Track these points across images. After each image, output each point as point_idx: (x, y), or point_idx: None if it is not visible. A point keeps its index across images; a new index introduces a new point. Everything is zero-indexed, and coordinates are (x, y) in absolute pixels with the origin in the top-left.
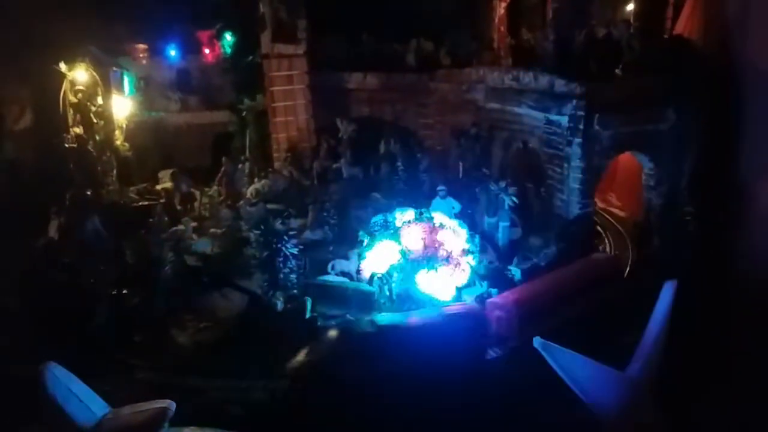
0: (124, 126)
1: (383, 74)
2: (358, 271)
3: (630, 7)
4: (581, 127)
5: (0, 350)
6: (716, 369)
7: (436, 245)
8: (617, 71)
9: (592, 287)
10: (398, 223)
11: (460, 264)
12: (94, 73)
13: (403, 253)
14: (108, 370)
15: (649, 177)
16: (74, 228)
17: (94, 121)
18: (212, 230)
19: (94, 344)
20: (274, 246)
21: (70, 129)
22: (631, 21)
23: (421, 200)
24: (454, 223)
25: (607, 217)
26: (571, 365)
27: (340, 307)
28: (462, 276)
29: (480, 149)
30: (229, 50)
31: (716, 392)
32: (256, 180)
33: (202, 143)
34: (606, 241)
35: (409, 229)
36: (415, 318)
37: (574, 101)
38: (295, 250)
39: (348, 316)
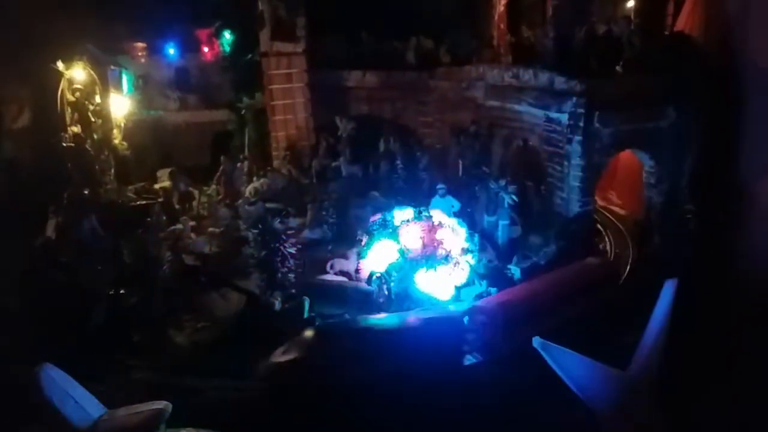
0: (123, 125)
1: (383, 72)
2: (357, 271)
3: (630, 3)
4: (581, 124)
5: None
6: (716, 369)
7: (435, 244)
8: (617, 68)
9: (584, 292)
10: (397, 222)
11: (459, 263)
12: (92, 72)
13: (402, 252)
14: (105, 370)
15: (650, 175)
16: (71, 227)
17: (92, 119)
18: (210, 229)
19: (92, 344)
20: (272, 245)
21: (68, 128)
22: (632, 18)
23: (420, 199)
24: (453, 222)
25: (608, 215)
26: (570, 365)
27: (338, 306)
28: (461, 275)
29: (480, 147)
30: (227, 48)
31: (716, 392)
32: (254, 179)
33: (201, 142)
34: (606, 239)
35: (408, 228)
36: (393, 321)
37: (574, 98)
38: (293, 250)
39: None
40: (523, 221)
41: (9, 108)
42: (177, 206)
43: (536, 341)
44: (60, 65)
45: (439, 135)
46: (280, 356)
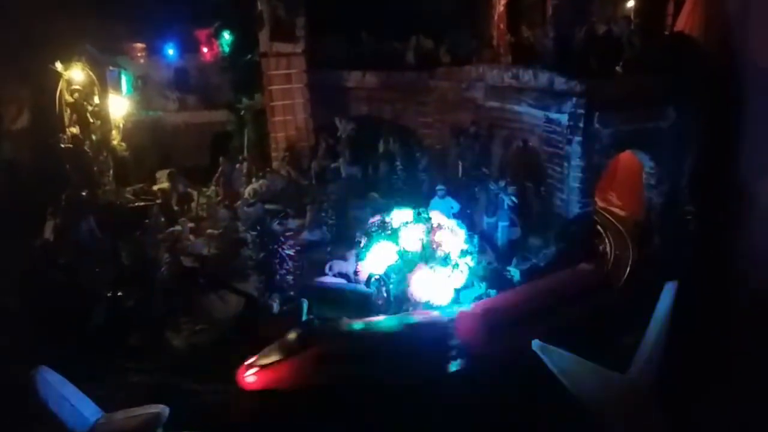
0: (122, 125)
1: (382, 72)
2: (356, 273)
3: (630, 3)
4: (581, 125)
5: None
6: (716, 369)
7: (434, 246)
8: (617, 69)
9: (574, 300)
10: (396, 224)
11: (458, 265)
12: (91, 73)
13: (401, 254)
14: (102, 372)
15: (650, 176)
16: (70, 229)
17: (91, 120)
18: (209, 231)
19: (89, 346)
20: (270, 247)
21: (67, 129)
22: (632, 18)
23: (419, 200)
24: (452, 223)
25: (608, 216)
26: (569, 368)
27: (337, 309)
28: (460, 277)
29: (479, 148)
30: (227, 49)
31: (716, 392)
32: (253, 180)
33: (201, 143)
34: (606, 240)
35: (407, 230)
36: (378, 325)
37: (574, 99)
38: (291, 252)
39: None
40: (523, 223)
41: (8, 109)
42: (176, 207)
43: (535, 344)
44: (59, 66)
45: (438, 136)
46: (263, 358)
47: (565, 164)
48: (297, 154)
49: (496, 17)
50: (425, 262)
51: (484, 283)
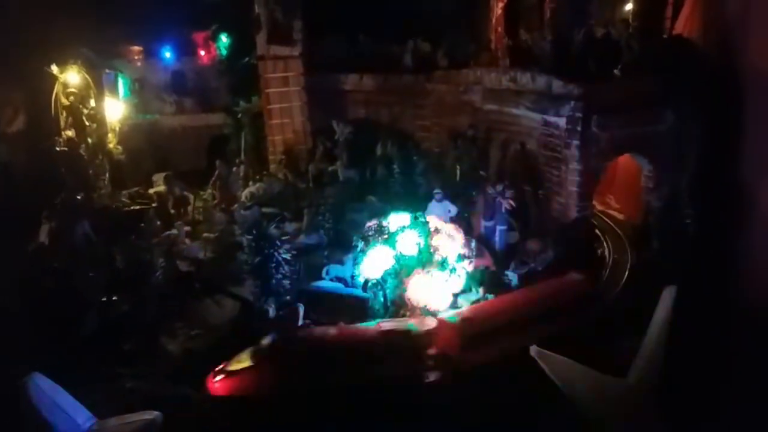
0: (118, 128)
1: (380, 76)
2: (353, 277)
3: (629, 6)
4: (579, 128)
5: None
6: (716, 373)
7: (432, 250)
8: (616, 72)
9: (560, 310)
10: (393, 228)
11: (455, 269)
12: (87, 76)
13: (399, 259)
14: (96, 378)
15: (649, 179)
16: (64, 232)
17: (87, 124)
18: (205, 235)
19: (83, 352)
20: (266, 251)
21: (62, 132)
22: (630, 21)
23: (417, 203)
24: (450, 227)
25: (606, 219)
26: (567, 374)
27: (333, 313)
28: (458, 281)
29: (477, 151)
30: (224, 52)
31: (715, 397)
32: (251, 183)
33: (198, 146)
34: (605, 244)
35: (404, 234)
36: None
37: (572, 102)
38: (288, 256)
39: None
40: (521, 226)
41: (3, 111)
42: (172, 211)
43: (533, 350)
44: (54, 69)
45: (436, 139)
46: (233, 364)
47: (563, 168)
48: (294, 157)
49: (494, 20)
50: (422, 266)
51: (481, 288)
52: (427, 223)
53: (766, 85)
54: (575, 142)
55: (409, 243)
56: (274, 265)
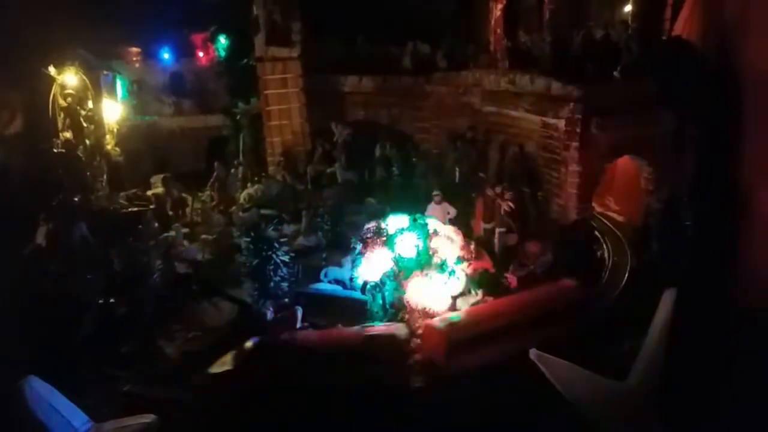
0: (117, 130)
1: (379, 77)
2: (351, 279)
3: (628, 8)
4: (579, 130)
5: None
6: (716, 376)
7: (431, 252)
8: (615, 73)
9: (551, 317)
10: (392, 230)
11: (454, 272)
12: (84, 77)
13: (397, 261)
14: (92, 381)
15: (648, 181)
16: (61, 235)
17: (84, 125)
18: (203, 236)
19: (80, 355)
20: (264, 253)
21: (60, 133)
22: (629, 22)
23: (416, 205)
24: (449, 229)
25: (606, 222)
26: (567, 376)
27: (332, 316)
28: (457, 284)
29: (476, 153)
30: (223, 53)
31: (716, 400)
32: (249, 185)
33: (196, 147)
34: (604, 246)
35: (403, 237)
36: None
37: (572, 104)
38: (286, 258)
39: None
40: (520, 228)
41: (1, 113)
42: (170, 213)
43: (533, 353)
44: (52, 70)
45: (435, 141)
46: (215, 366)
47: (563, 169)
48: (293, 158)
49: (493, 22)
50: (421, 268)
51: (480, 290)
52: (426, 225)
53: (765, 87)
54: (574, 144)
55: (407, 245)
56: (272, 267)
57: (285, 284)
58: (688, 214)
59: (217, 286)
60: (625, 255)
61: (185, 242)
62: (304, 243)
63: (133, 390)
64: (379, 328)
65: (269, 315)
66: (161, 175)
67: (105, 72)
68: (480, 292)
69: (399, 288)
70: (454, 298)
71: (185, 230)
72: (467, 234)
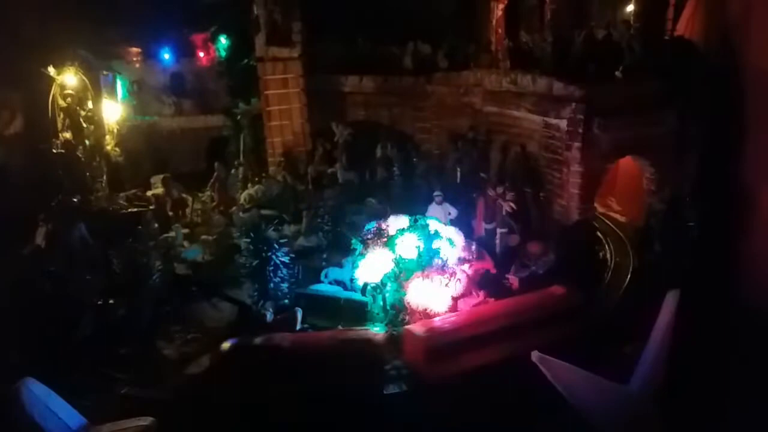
0: (117, 130)
1: (380, 77)
2: (352, 280)
3: (630, 8)
4: (580, 130)
5: None
6: (717, 378)
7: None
8: (617, 74)
9: (540, 324)
10: (393, 231)
11: (455, 272)
12: (84, 77)
13: (398, 262)
14: (90, 383)
15: (650, 181)
16: (61, 235)
17: (84, 125)
18: (203, 237)
19: (78, 356)
20: (264, 254)
21: (59, 134)
22: (631, 22)
23: (417, 206)
24: (450, 230)
25: (608, 222)
26: (569, 380)
27: (332, 318)
28: (458, 285)
29: (477, 153)
30: (223, 53)
31: (717, 402)
32: (249, 185)
33: (197, 148)
34: (606, 247)
35: (404, 237)
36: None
37: (573, 104)
38: (286, 259)
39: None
40: (522, 229)
41: (1, 114)
42: (170, 213)
43: (535, 355)
44: (51, 70)
45: (436, 141)
46: (196, 368)
47: (565, 170)
48: (293, 159)
49: (494, 22)
50: (422, 269)
51: (481, 291)
52: (428, 225)
53: (767, 87)
54: (576, 144)
55: (408, 246)
56: (272, 268)
57: (285, 285)
58: (690, 214)
59: (216, 287)
60: (627, 256)
61: (185, 243)
62: (305, 244)
63: (131, 392)
64: (355, 332)
65: (269, 316)
66: (161, 176)
67: (105, 72)
68: (481, 294)
69: (400, 289)
70: (455, 299)
71: (185, 231)
72: (468, 234)
